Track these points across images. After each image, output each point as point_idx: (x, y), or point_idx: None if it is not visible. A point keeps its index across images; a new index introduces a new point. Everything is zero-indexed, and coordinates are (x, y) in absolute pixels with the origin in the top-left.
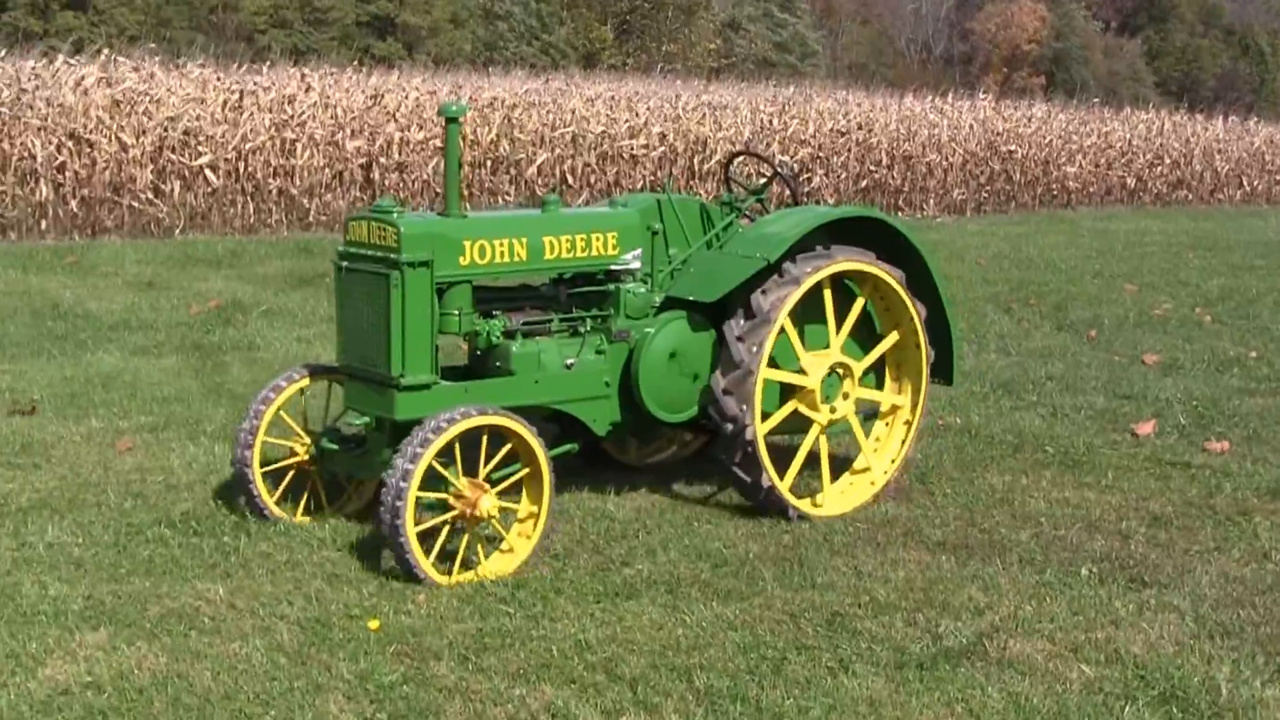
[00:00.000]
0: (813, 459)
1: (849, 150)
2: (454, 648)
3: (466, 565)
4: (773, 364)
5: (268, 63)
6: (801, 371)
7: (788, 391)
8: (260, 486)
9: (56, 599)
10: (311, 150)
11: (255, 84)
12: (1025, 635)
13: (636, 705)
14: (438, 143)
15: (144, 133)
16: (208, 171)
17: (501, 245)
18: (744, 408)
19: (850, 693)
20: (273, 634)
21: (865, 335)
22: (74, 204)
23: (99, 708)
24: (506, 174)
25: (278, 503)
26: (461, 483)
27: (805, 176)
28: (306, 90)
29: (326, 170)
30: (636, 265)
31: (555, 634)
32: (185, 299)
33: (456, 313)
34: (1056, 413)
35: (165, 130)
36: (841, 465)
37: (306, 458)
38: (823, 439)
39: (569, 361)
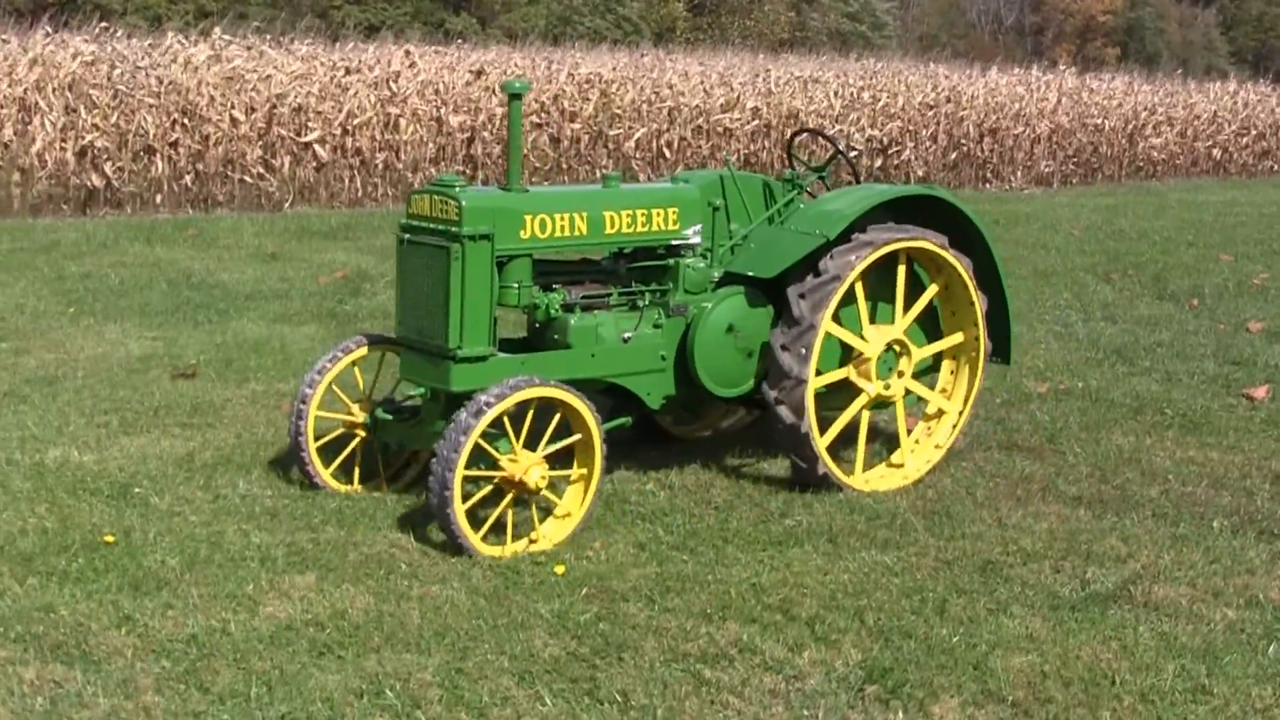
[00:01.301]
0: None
1: (937, 123)
2: (639, 590)
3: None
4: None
5: (373, 41)
6: (862, 338)
7: (845, 361)
8: (314, 457)
9: (260, 546)
10: (415, 125)
11: (360, 61)
12: (1167, 581)
13: (816, 641)
14: (535, 118)
15: (253, 109)
16: (316, 146)
17: (562, 219)
18: (802, 354)
19: (1011, 630)
20: (468, 578)
21: (930, 325)
22: (188, 179)
23: (323, 641)
24: (605, 148)
25: (334, 474)
26: (510, 455)
27: (895, 150)
28: (411, 66)
29: (430, 145)
30: (697, 240)
31: (730, 578)
32: (310, 270)
33: (516, 286)
34: (1170, 378)
35: (274, 106)
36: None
37: (362, 427)
38: (865, 415)
39: (626, 335)
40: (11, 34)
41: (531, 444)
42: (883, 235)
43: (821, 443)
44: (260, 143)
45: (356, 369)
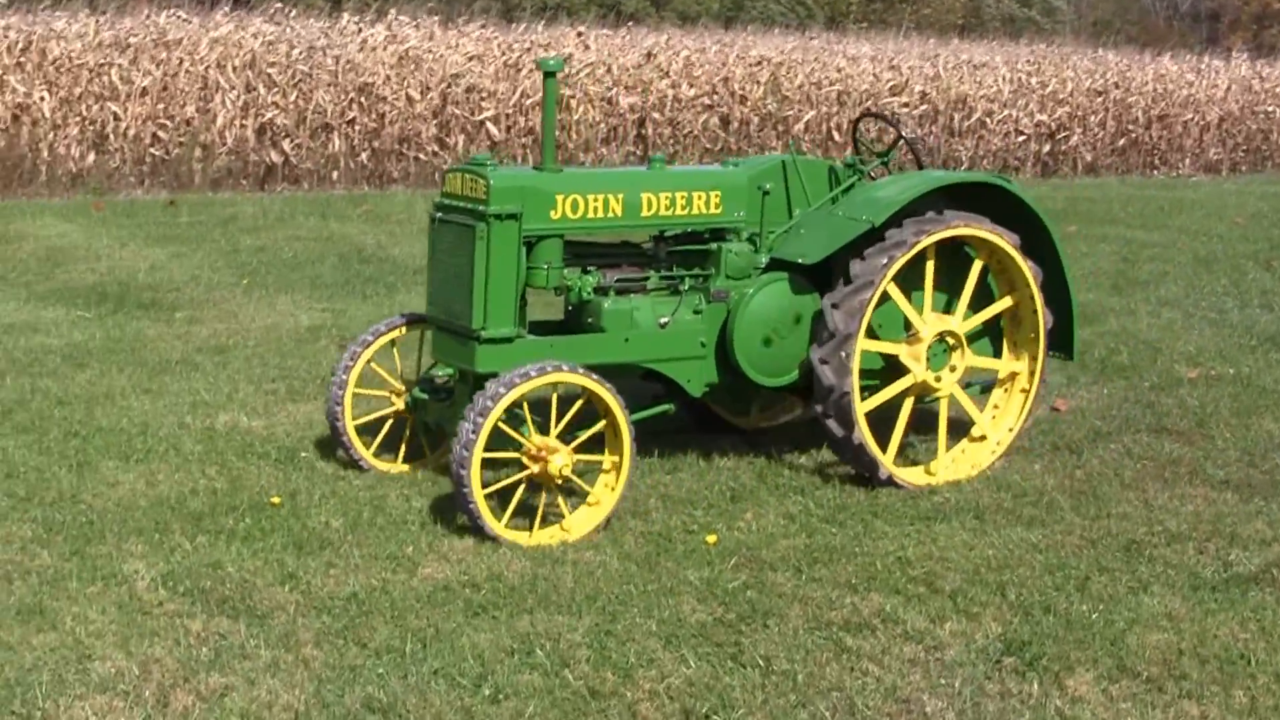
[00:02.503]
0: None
1: (1106, 109)
2: (787, 560)
3: (546, 521)
4: (873, 336)
5: (547, 23)
6: (914, 336)
7: (893, 369)
8: (353, 436)
9: (421, 510)
10: (587, 106)
11: (533, 42)
12: None
13: (958, 613)
14: (707, 100)
15: (428, 89)
16: (489, 125)
17: (595, 200)
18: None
19: (1150, 609)
20: (621, 545)
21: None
22: (364, 156)
23: (478, 602)
24: (773, 130)
25: (376, 453)
26: (534, 441)
27: (1063, 135)
28: (584, 49)
29: (602, 125)
30: (740, 225)
31: (877, 550)
32: None
33: (545, 266)
34: None
35: (449, 86)
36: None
37: (403, 406)
38: (908, 403)
39: (663, 320)
40: (193, 15)
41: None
42: (956, 219)
43: (861, 410)
44: (435, 121)
45: (395, 349)
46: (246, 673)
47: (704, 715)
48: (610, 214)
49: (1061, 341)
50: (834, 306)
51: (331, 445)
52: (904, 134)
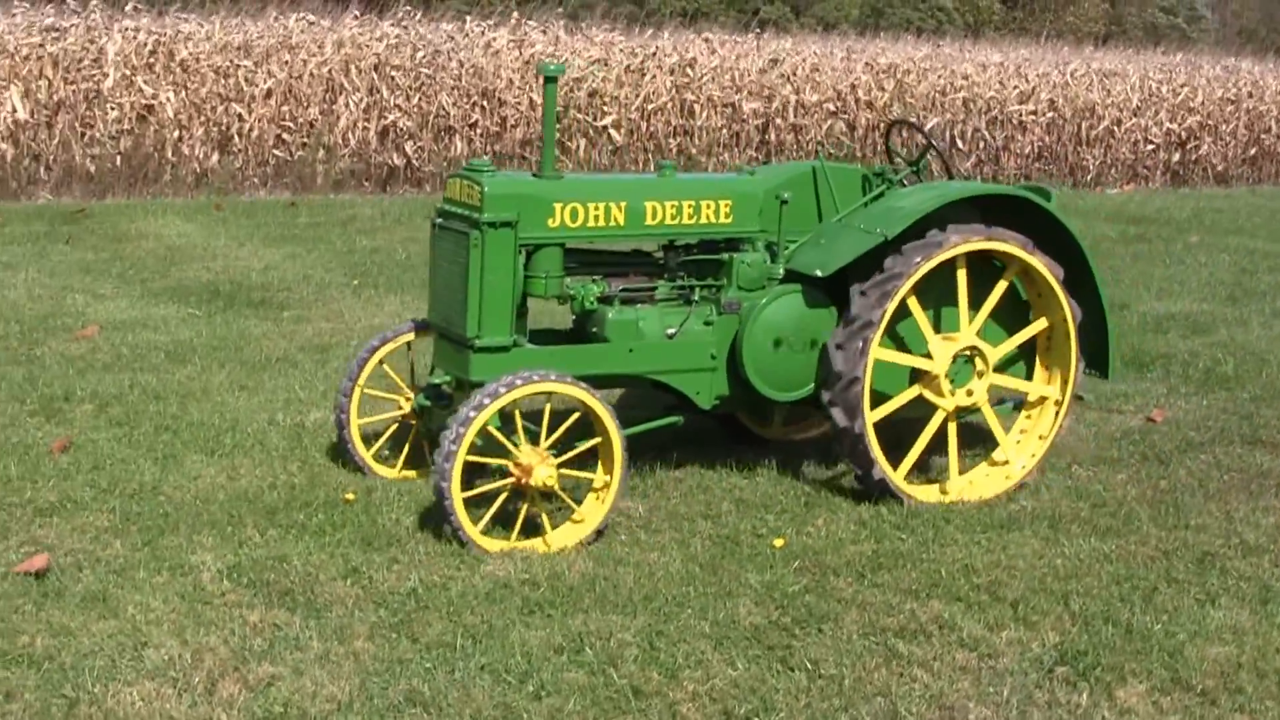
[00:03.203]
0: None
1: (1238, 119)
2: (851, 565)
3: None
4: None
5: (667, 29)
6: (927, 355)
7: (916, 375)
8: (357, 442)
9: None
10: (710, 111)
11: (657, 48)
12: None
13: (1017, 622)
14: (830, 106)
15: None
16: (611, 130)
17: (596, 209)
18: (858, 349)
19: (1215, 621)
20: (688, 547)
21: (1014, 322)
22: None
23: (535, 600)
24: (899, 136)
25: (378, 457)
26: (521, 450)
27: (1193, 144)
28: (710, 54)
29: (724, 130)
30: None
31: (944, 558)
32: None
33: (544, 275)
34: None
35: (571, 90)
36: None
37: (409, 413)
38: (951, 425)
39: (670, 331)
40: (326, 17)
41: (562, 444)
42: (954, 236)
43: (877, 446)
44: (557, 125)
45: (385, 362)
46: (296, 663)
47: (744, 717)
48: (612, 222)
49: (1098, 360)
50: (838, 348)
51: None
52: (934, 143)
